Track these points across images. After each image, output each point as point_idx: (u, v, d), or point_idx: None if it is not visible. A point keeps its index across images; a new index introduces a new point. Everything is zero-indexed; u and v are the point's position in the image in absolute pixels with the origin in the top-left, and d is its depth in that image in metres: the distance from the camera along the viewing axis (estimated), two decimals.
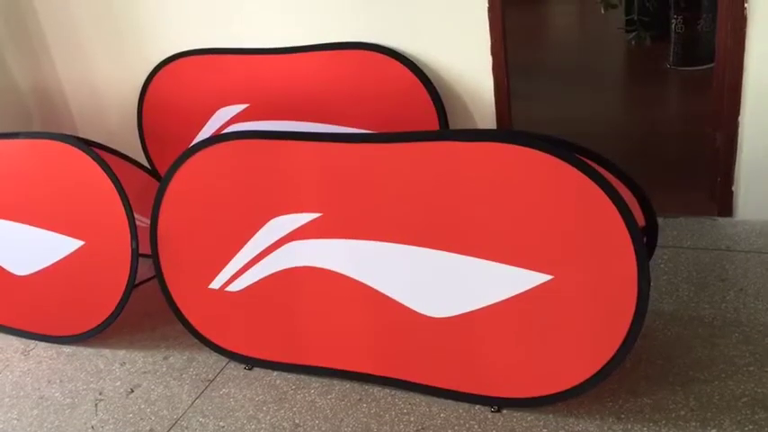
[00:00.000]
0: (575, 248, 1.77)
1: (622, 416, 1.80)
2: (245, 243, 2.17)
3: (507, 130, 2.73)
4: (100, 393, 2.22)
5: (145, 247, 2.35)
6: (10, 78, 3.44)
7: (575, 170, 1.72)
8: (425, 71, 2.79)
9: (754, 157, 2.55)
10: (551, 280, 1.79)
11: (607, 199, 1.70)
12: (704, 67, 4.42)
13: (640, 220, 1.90)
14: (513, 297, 1.83)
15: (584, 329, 1.80)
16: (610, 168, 1.87)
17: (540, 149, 1.75)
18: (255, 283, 2.19)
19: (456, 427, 1.86)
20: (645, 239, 1.89)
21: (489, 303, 1.86)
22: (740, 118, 2.51)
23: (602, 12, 5.40)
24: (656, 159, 3.30)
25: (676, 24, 4.66)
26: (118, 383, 2.26)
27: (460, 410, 1.92)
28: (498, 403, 1.91)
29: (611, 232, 1.71)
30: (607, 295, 1.76)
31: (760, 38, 2.38)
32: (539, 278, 1.80)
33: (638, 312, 1.72)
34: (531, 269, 1.80)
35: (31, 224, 2.52)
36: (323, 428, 1.93)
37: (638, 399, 1.85)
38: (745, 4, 2.35)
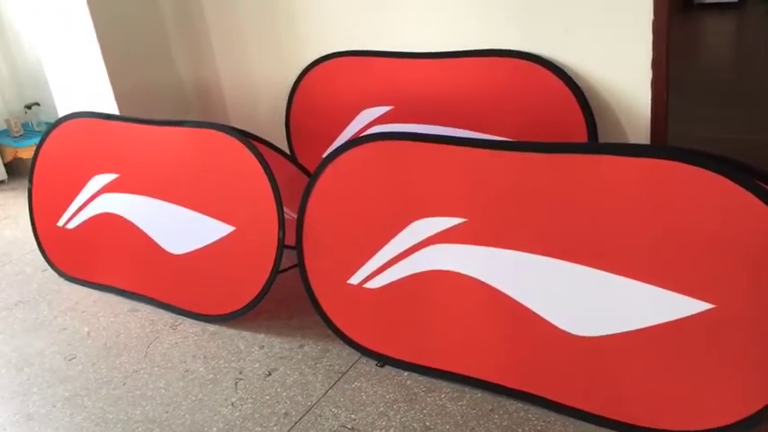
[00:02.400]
0: (741, 277, 1.66)
1: None
2: (388, 242, 2.21)
3: (667, 146, 2.60)
4: (240, 373, 2.33)
5: (289, 239, 2.45)
6: (174, 71, 3.69)
7: (745, 191, 1.62)
8: (579, 83, 2.72)
9: None
10: (712, 309, 1.68)
11: None
12: None
13: None
14: (666, 323, 1.74)
15: (746, 364, 1.68)
16: None
17: (705, 168, 1.66)
18: (394, 282, 2.22)
19: None
20: None
21: (641, 327, 1.77)
22: None
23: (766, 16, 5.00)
24: None
25: None
26: (257, 365, 2.36)
27: None
28: None
29: None
30: None
31: None
32: (698, 306, 1.70)
33: None
34: (689, 296, 1.71)
35: (187, 207, 2.68)
36: None
37: None
38: None
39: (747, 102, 4.54)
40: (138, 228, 2.83)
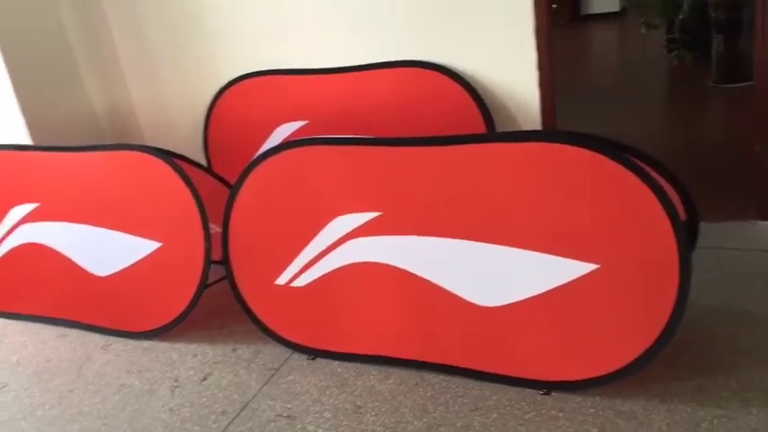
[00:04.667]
0: (620, 239, 1.90)
1: (666, 397, 1.90)
2: (310, 241, 2.36)
3: (553, 131, 2.87)
4: (175, 381, 2.41)
5: (215, 254, 2.55)
6: (86, 99, 3.72)
7: (619, 166, 1.86)
8: (476, 87, 2.97)
9: None
10: (598, 269, 1.92)
11: (651, 193, 1.83)
12: (746, 84, 4.50)
13: (682, 215, 2.02)
14: (561, 285, 1.96)
15: (629, 315, 1.92)
16: (653, 166, 2.00)
17: (585, 147, 1.90)
18: (319, 278, 2.36)
19: (507, 408, 1.98)
20: (687, 232, 2.00)
21: (540, 292, 1.99)
22: None
23: (644, 32, 5.52)
24: (700, 170, 3.39)
25: (717, 43, 4.76)
26: (191, 372, 2.45)
27: (512, 393, 2.04)
28: (548, 386, 2.03)
29: (654, 224, 1.84)
30: (650, 283, 1.88)
31: None
32: (586, 267, 1.93)
33: (680, 298, 1.83)
34: (578, 259, 1.94)
35: (111, 228, 2.74)
36: (383, 409, 2.08)
37: (682, 382, 1.95)
38: None
39: (629, 100, 4.97)
40: (61, 254, 2.87)
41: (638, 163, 1.90)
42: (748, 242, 2.64)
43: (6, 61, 3.22)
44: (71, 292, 2.89)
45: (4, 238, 2.98)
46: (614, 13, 8.23)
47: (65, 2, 3.56)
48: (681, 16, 5.22)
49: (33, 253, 2.92)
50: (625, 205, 1.89)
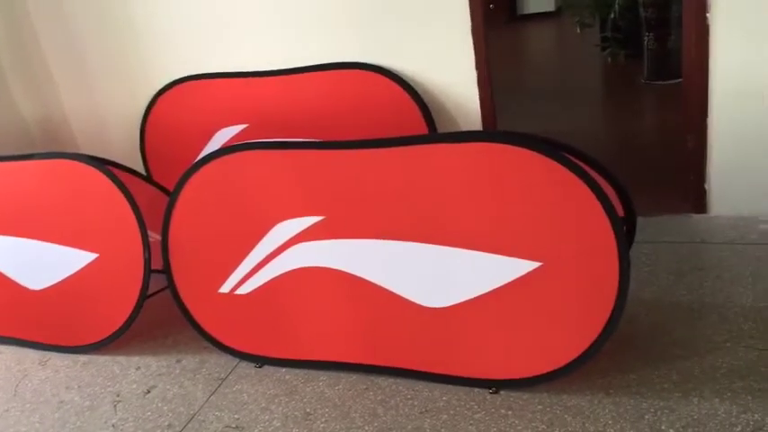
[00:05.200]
0: (561, 237, 1.93)
1: (611, 391, 1.95)
2: (253, 247, 2.32)
3: (492, 131, 2.91)
4: (117, 395, 2.34)
5: (155, 263, 2.48)
6: (16, 111, 3.58)
7: (558, 165, 1.88)
8: (416, 88, 2.98)
9: (724, 157, 2.74)
10: (540, 266, 1.94)
11: (589, 190, 1.86)
12: (676, 81, 4.66)
13: (620, 211, 2.07)
14: (506, 284, 1.98)
15: (572, 312, 1.95)
16: (591, 164, 2.04)
17: (524, 147, 1.92)
18: (263, 285, 2.33)
19: (457, 408, 1.99)
20: (625, 228, 2.05)
21: (484, 291, 2.01)
22: (709, 120, 2.70)
23: (578, 31, 5.66)
24: (634, 165, 3.49)
25: (648, 41, 4.91)
26: (134, 386, 2.37)
27: (461, 393, 2.05)
28: (496, 385, 2.05)
29: (593, 221, 1.87)
30: (592, 279, 1.91)
31: (721, 44, 2.59)
32: (529, 265, 1.95)
33: (620, 293, 1.87)
34: (521, 257, 1.96)
35: (44, 240, 2.64)
36: (333, 415, 2.06)
37: (625, 375, 2.00)
38: (707, 14, 2.56)
39: (565, 98, 5.09)
40: None
41: (576, 161, 1.94)
42: (683, 235, 2.73)
43: None
44: (4, 306, 2.77)
45: None
46: (550, 12, 8.42)
47: None
48: (612, 15, 5.36)
49: None
50: (564, 203, 1.92)
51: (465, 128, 3.01)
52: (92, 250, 2.56)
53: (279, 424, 2.06)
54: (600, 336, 1.92)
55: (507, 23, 8.04)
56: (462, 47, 2.88)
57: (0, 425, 2.27)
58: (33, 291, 2.69)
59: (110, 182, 2.48)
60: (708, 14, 2.57)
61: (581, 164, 1.93)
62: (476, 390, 2.05)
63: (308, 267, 2.25)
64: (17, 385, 2.49)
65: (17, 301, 2.71)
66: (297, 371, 2.31)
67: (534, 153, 1.91)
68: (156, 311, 2.65)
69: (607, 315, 1.90)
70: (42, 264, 2.66)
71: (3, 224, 2.71)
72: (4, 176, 2.70)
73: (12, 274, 2.72)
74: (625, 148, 3.85)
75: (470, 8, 2.81)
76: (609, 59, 5.64)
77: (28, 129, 3.64)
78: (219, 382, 2.32)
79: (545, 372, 1.99)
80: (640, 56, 5.15)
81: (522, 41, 7.62)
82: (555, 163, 1.89)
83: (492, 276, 1.99)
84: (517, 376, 2.03)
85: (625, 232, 1.92)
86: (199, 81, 3.39)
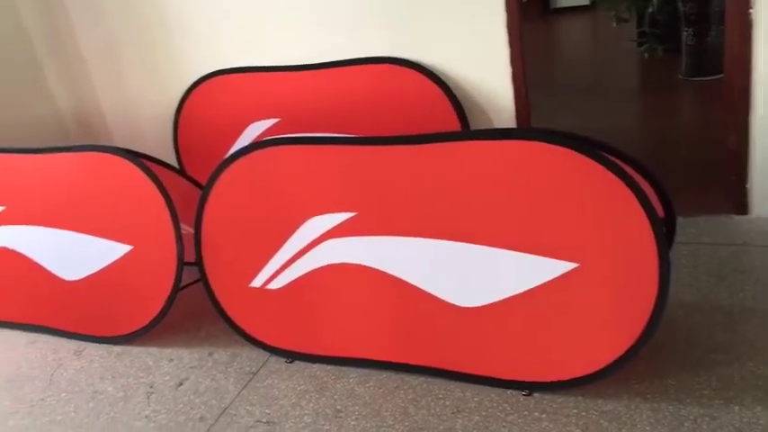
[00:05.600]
0: (599, 237, 1.89)
1: (648, 396, 1.91)
2: (285, 242, 2.31)
3: (529, 128, 2.87)
4: (151, 387, 2.36)
5: (188, 255, 2.50)
6: (52, 102, 3.64)
7: (597, 164, 1.84)
8: (448, 83, 2.94)
9: (767, 156, 2.67)
10: (577, 268, 1.91)
11: (628, 190, 1.82)
12: (716, 77, 4.55)
13: (660, 211, 2.02)
14: (541, 285, 1.95)
15: (610, 314, 1.91)
16: (629, 163, 1.99)
17: (562, 145, 1.88)
18: (294, 280, 2.32)
19: (490, 410, 1.97)
20: (664, 229, 2.00)
21: (519, 292, 1.98)
22: (751, 118, 2.63)
23: (614, 25, 5.54)
24: (673, 164, 3.42)
25: (687, 37, 4.80)
26: (167, 377, 2.39)
27: (493, 395, 2.03)
28: (529, 387, 2.02)
29: (632, 221, 1.83)
30: (630, 281, 1.87)
31: (765, 41, 2.51)
32: (565, 266, 1.92)
33: (660, 295, 1.83)
34: (557, 258, 1.92)
35: (80, 231, 2.67)
36: (363, 413, 2.05)
37: (664, 380, 1.95)
38: (750, 10, 2.48)
39: (600, 94, 5.00)
40: (29, 259, 2.78)
41: (614, 160, 1.89)
42: (724, 237, 2.66)
43: None
44: (41, 297, 2.81)
45: None
46: (584, 6, 8.29)
47: (25, 3, 3.45)
48: (650, 10, 5.25)
49: (0, 257, 2.83)
50: (602, 203, 1.88)
51: (498, 125, 2.97)
52: (126, 242, 2.59)
53: (309, 420, 2.06)
54: (638, 339, 1.88)
55: (540, 17, 7.93)
56: (497, 42, 2.84)
57: (36, 413, 2.31)
58: (69, 281, 2.72)
59: (144, 175, 2.50)
60: (751, 10, 2.49)
61: (619, 162, 1.89)
62: (509, 391, 2.03)
63: (340, 264, 2.24)
64: (52, 374, 2.52)
65: (53, 291, 2.75)
66: (327, 367, 2.30)
67: (572, 151, 1.87)
68: (189, 303, 2.66)
69: (646, 318, 1.86)
70: (78, 255, 2.69)
71: (40, 215, 2.75)
72: (42, 169, 2.73)
73: (48, 264, 2.76)
74: (663, 146, 3.77)
75: (506, 1, 2.76)
76: (646, 55, 5.52)
77: (63, 120, 3.69)
78: (251, 376, 2.33)
79: (580, 375, 1.95)
80: (678, 51, 5.03)
81: (555, 36, 7.51)
82: (593, 162, 1.85)
83: (527, 277, 1.95)
84: (551, 379, 1.99)
85: (665, 233, 1.88)
86: (231, 75, 3.40)
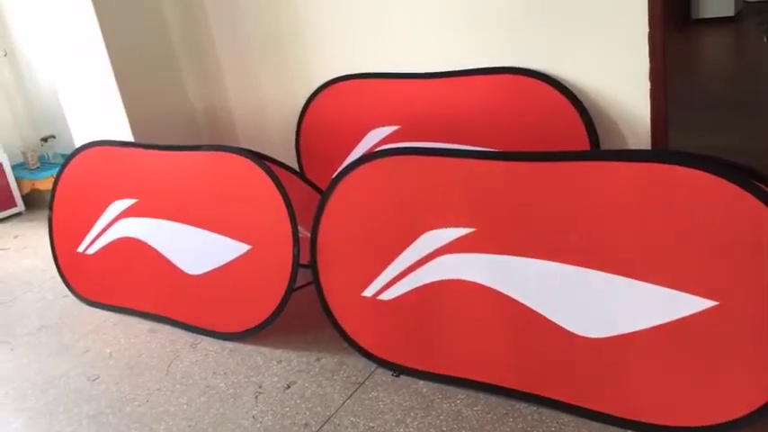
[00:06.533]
0: (743, 274, 1.71)
1: None
2: (399, 254, 2.27)
3: (668, 150, 2.67)
4: (260, 387, 2.39)
5: (303, 257, 2.51)
6: (186, 98, 3.80)
7: (744, 192, 1.68)
8: (579, 97, 2.80)
9: None
10: (715, 306, 1.74)
11: None
12: None
13: None
14: (673, 321, 1.79)
15: (750, 359, 1.73)
16: None
17: (703, 169, 1.72)
18: (407, 293, 2.28)
19: None
20: None
21: (648, 326, 1.83)
22: None
23: (765, 40, 5.12)
24: None
25: None
26: (275, 379, 2.42)
27: None
28: (651, 430, 1.87)
29: None
30: None
31: None
32: (702, 303, 1.75)
33: None
34: (693, 294, 1.76)
35: (204, 228, 2.76)
36: None
37: None
38: None
39: (745, 112, 4.62)
40: (156, 250, 2.91)
41: (764, 188, 1.71)
42: None
43: (112, 62, 3.32)
44: (164, 288, 2.93)
45: (103, 232, 3.06)
46: (729, 17, 7.74)
47: (169, 4, 3.63)
48: None
49: (129, 248, 2.99)
50: (748, 235, 1.70)
51: (632, 143, 2.79)
52: (246, 242, 2.65)
53: None
54: None
55: (681, 28, 7.47)
56: (636, 53, 2.66)
57: (152, 401, 2.40)
58: (191, 275, 2.82)
59: (267, 177, 2.55)
60: None
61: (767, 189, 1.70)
62: None
63: (455, 280, 2.17)
64: (170, 365, 2.62)
65: (176, 283, 2.86)
66: (434, 385, 2.24)
67: (713, 176, 1.72)
68: (300, 305, 2.68)
69: None
70: (201, 250, 2.78)
71: (168, 210, 2.87)
72: (173, 165, 2.86)
73: (173, 257, 2.87)
74: None
75: (649, 11, 2.58)
76: None
77: (195, 116, 3.85)
78: (357, 386, 2.31)
79: (712, 423, 1.78)
80: None
81: (696, 48, 7.05)
82: (738, 188, 1.69)
83: (658, 311, 1.81)
84: (679, 424, 1.83)
85: None
86: (355, 81, 3.42)
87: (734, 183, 1.69)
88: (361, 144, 3.43)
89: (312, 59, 3.52)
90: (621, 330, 1.88)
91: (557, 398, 2.01)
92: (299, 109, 3.58)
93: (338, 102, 3.49)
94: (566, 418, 1.98)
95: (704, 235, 1.75)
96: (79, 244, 3.16)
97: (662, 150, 2.65)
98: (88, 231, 3.11)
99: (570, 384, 1.99)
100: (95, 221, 3.08)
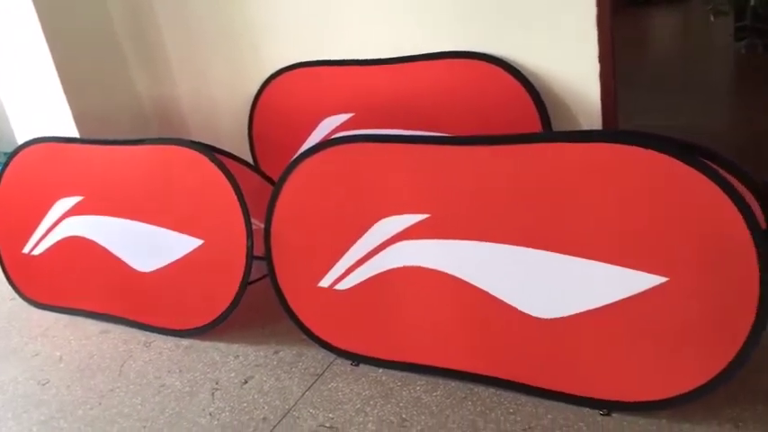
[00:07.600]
0: (691, 250, 1.73)
1: (740, 423, 1.74)
2: (354, 243, 2.25)
3: (618, 130, 2.69)
4: (216, 383, 2.35)
5: (258, 250, 2.47)
6: (133, 90, 3.70)
7: (693, 170, 1.70)
8: (531, 79, 2.80)
9: None
10: (666, 282, 1.76)
11: (726, 198, 1.66)
12: None
13: (762, 223, 1.84)
14: (625, 299, 1.81)
15: (701, 333, 1.75)
16: (728, 167, 1.82)
17: (654, 149, 1.73)
18: (363, 281, 2.26)
19: (564, 428, 1.85)
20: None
21: (600, 305, 1.84)
22: None
23: (712, 19, 5.22)
24: None
25: None
26: (232, 374, 2.38)
27: (568, 412, 1.90)
28: (608, 406, 1.88)
29: (731, 233, 1.67)
30: (726, 298, 1.71)
31: None
32: (653, 280, 1.77)
33: (759, 315, 1.66)
34: (644, 270, 1.78)
35: (154, 224, 2.69)
36: (429, 424, 1.96)
37: (758, 406, 1.78)
38: None
39: (693, 92, 4.71)
40: (104, 249, 2.83)
41: (712, 165, 1.73)
42: None
43: (53, 54, 3.20)
44: (114, 287, 2.85)
45: (48, 231, 2.96)
46: None
47: None
48: (752, 3, 4.91)
49: (77, 247, 2.90)
50: (698, 212, 1.72)
51: (584, 124, 2.80)
52: (198, 236, 2.58)
53: (373, 428, 1.99)
54: (731, 362, 1.72)
55: (629, 7, 7.56)
56: (585, 37, 2.66)
57: (105, 403, 2.33)
58: (142, 273, 2.75)
59: (217, 170, 2.49)
60: None
61: (716, 167, 1.72)
62: (585, 410, 1.90)
63: (411, 267, 2.15)
64: (122, 365, 2.55)
65: (126, 282, 2.79)
66: (393, 373, 2.23)
67: (665, 156, 1.73)
68: (258, 298, 2.64)
69: (742, 339, 1.70)
70: (151, 247, 2.71)
71: (115, 206, 2.78)
72: (119, 160, 2.77)
73: (122, 255, 2.79)
74: (760, 147, 3.50)
75: None
76: (743, 51, 5.18)
77: (143, 109, 3.75)
78: (315, 377, 2.28)
79: (666, 397, 1.80)
80: None
81: (643, 29, 7.15)
82: (689, 167, 1.70)
83: (610, 289, 1.82)
84: (633, 399, 1.85)
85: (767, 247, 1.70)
86: (307, 68, 3.36)
87: (681, 160, 1.71)
88: (315, 132, 3.38)
89: (264, 47, 3.45)
90: (575, 310, 1.88)
91: (514, 379, 2.02)
92: (251, 98, 3.51)
93: (291, 90, 3.43)
94: (523, 398, 1.99)
95: (653, 212, 1.76)
96: (24, 245, 3.05)
97: (611, 130, 2.67)
98: (33, 231, 3.01)
99: (527, 365, 1.99)
100: (40, 221, 2.98)
